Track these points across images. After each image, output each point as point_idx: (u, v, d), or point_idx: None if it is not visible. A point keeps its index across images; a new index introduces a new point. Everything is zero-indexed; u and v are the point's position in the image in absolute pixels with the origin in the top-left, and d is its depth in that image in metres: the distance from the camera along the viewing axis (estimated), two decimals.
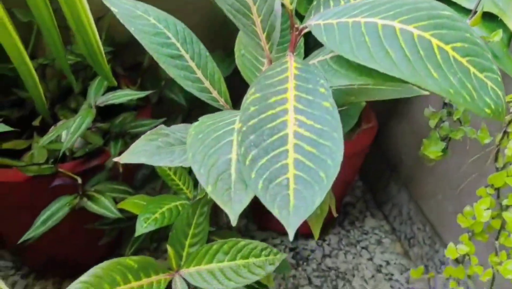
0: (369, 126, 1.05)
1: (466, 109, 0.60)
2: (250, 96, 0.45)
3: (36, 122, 0.87)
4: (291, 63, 0.46)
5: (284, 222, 0.37)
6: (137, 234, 0.54)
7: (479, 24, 0.65)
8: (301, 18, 0.55)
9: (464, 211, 0.61)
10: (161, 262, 0.53)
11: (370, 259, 1.15)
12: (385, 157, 1.25)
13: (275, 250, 0.51)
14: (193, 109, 1.09)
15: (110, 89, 0.78)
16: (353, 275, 1.10)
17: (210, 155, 0.42)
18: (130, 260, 0.47)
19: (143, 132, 0.85)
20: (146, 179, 1.14)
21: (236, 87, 0.64)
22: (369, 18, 0.42)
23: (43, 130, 0.88)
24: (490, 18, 0.68)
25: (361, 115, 1.08)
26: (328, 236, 1.20)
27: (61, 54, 0.70)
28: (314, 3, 0.49)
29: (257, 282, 0.69)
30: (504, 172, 0.57)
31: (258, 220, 1.18)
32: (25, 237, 0.70)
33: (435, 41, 0.41)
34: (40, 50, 0.89)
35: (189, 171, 0.66)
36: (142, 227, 0.54)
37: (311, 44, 0.59)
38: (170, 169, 0.63)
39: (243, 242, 0.51)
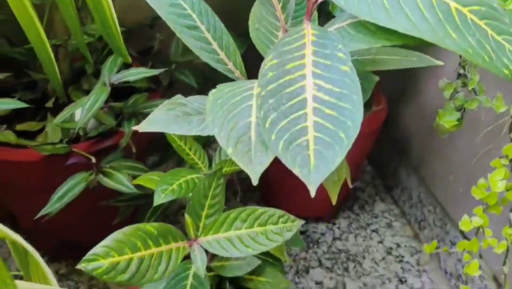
0: (379, 108, 1.05)
1: (484, 68, 0.59)
2: (267, 63, 0.45)
3: (49, 104, 0.88)
4: (308, 30, 0.47)
5: (305, 180, 0.37)
6: (155, 204, 0.55)
7: None
8: None
9: (478, 183, 0.61)
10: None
11: (380, 241, 1.15)
12: (394, 142, 1.25)
13: (292, 217, 0.51)
14: (204, 92, 1.10)
15: (123, 69, 0.79)
16: (364, 257, 1.11)
17: (229, 119, 0.42)
18: (150, 226, 0.48)
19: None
20: (155, 165, 1.14)
21: (248, 69, 0.64)
22: None
23: (56, 112, 0.89)
24: None
25: (371, 98, 1.09)
26: (338, 219, 1.20)
27: (78, 31, 0.70)
28: None
29: (272, 257, 0.69)
30: None
31: (266, 202, 1.19)
32: (41, 212, 0.71)
33: (453, 4, 0.42)
34: (51, 32, 0.89)
35: (203, 145, 0.66)
36: (160, 198, 0.55)
37: (323, 23, 0.60)
38: (185, 144, 0.64)
39: (260, 209, 0.52)
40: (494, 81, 0.72)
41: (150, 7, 0.50)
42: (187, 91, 1.09)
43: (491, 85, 0.68)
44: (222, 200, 0.58)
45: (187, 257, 0.55)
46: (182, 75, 0.97)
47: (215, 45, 0.54)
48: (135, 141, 0.85)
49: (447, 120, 0.60)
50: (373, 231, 1.18)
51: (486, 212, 0.62)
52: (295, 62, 0.44)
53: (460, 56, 0.61)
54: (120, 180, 0.70)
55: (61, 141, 0.81)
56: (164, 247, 0.49)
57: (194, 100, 0.53)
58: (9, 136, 0.76)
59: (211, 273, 0.64)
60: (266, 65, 0.44)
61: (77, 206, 0.79)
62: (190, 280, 0.55)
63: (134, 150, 0.83)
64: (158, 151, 1.05)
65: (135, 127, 0.49)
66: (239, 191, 0.93)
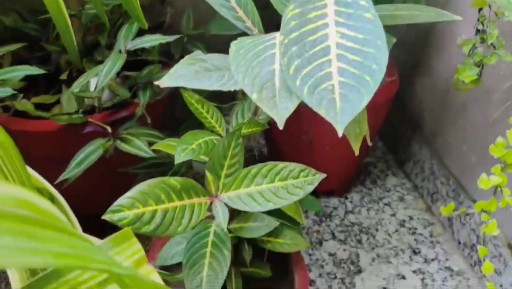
0: (391, 80, 1.05)
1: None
2: (289, 12, 0.45)
3: (63, 76, 0.88)
4: None
5: (332, 121, 0.37)
6: (176, 162, 0.55)
7: None
8: None
9: (497, 141, 0.61)
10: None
11: (393, 214, 1.15)
12: (406, 116, 1.25)
13: (313, 170, 0.51)
14: None
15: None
16: (377, 230, 1.11)
17: (253, 66, 0.42)
18: (174, 180, 0.48)
19: None
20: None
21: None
22: None
23: (70, 85, 0.90)
24: None
25: None
26: (350, 194, 1.20)
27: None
28: None
29: (290, 220, 0.70)
30: None
31: None
32: (60, 178, 0.71)
33: None
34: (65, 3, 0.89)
35: (220, 108, 0.66)
36: (180, 156, 0.55)
37: None
38: (203, 107, 0.64)
39: (281, 164, 0.52)
40: None
41: None
42: None
43: (510, 41, 0.68)
44: (241, 160, 0.58)
45: (208, 217, 0.56)
46: (194, 47, 0.97)
47: (233, 3, 0.54)
48: (149, 113, 0.86)
49: (467, 75, 0.60)
50: (385, 204, 1.18)
51: (504, 171, 0.62)
52: (317, 11, 0.44)
53: (479, 11, 0.61)
54: (138, 145, 0.70)
55: (77, 112, 0.81)
56: (186, 201, 0.50)
57: (214, 57, 0.53)
58: (27, 105, 0.77)
59: (230, 235, 0.65)
60: (288, 15, 0.44)
61: (94, 176, 0.80)
62: (211, 237, 0.55)
63: (149, 120, 0.83)
64: (168, 129, 1.05)
65: (156, 82, 0.49)
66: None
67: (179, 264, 0.58)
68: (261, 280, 0.75)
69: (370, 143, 0.56)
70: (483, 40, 0.61)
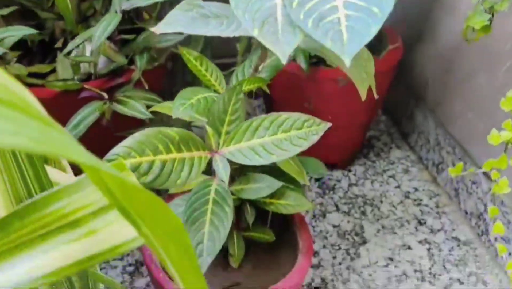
0: (395, 47, 1.02)
1: None
2: None
3: (58, 44, 0.86)
4: None
5: (339, 52, 0.35)
6: (174, 116, 0.53)
7: None
8: None
9: (507, 95, 0.59)
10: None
11: (398, 186, 1.13)
12: (410, 86, 1.22)
13: (318, 120, 0.49)
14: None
15: None
16: (381, 201, 1.09)
17: (253, 2, 0.40)
18: (172, 131, 0.46)
19: (168, 47, 0.83)
20: None
21: None
22: None
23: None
24: None
25: (387, 37, 1.06)
26: (353, 167, 1.18)
27: None
28: None
29: (293, 182, 0.68)
30: None
31: None
32: None
33: None
34: None
35: (218, 64, 0.64)
36: (179, 111, 0.53)
37: None
38: (201, 64, 0.62)
39: (284, 115, 0.50)
40: None
41: None
42: None
43: None
44: (242, 116, 0.56)
45: (209, 174, 0.54)
46: None
47: None
48: (147, 80, 0.83)
49: (477, 21, 0.57)
50: (389, 176, 1.16)
51: None
52: None
53: None
54: (135, 106, 0.68)
55: (72, 78, 0.79)
56: (186, 154, 0.48)
57: (211, 4, 0.51)
58: (21, 69, 0.75)
59: (232, 197, 0.63)
60: None
61: (91, 143, 0.78)
62: (212, 195, 0.53)
63: (146, 87, 0.81)
64: (167, 100, 1.03)
65: (152, 29, 0.46)
66: None
67: None
68: (265, 247, 0.73)
69: (376, 96, 0.54)
70: None
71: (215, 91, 0.64)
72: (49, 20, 0.88)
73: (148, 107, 0.70)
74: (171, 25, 0.47)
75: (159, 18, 0.94)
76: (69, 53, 0.82)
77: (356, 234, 1.02)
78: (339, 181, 1.15)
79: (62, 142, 0.18)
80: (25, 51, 0.89)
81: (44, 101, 0.83)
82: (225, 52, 0.93)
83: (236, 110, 0.55)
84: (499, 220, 0.90)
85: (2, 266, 0.25)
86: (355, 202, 1.09)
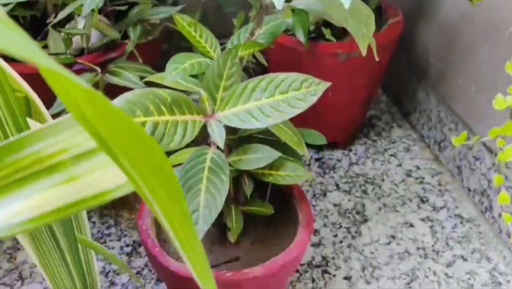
0: (395, 21, 1.00)
1: None
2: None
3: (50, 19, 0.84)
4: None
5: None
6: (166, 82, 0.51)
7: None
8: None
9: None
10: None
11: (399, 165, 1.11)
12: (411, 64, 1.20)
13: (316, 80, 0.47)
14: (208, 11, 1.05)
15: None
16: (383, 180, 1.07)
17: None
18: (163, 92, 0.44)
19: (162, 19, 0.81)
20: None
21: None
22: None
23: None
24: None
25: (387, 11, 1.03)
26: (354, 146, 1.16)
27: None
28: None
29: (292, 154, 0.66)
30: None
31: None
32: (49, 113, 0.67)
33: None
34: None
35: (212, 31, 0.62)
36: (172, 75, 0.51)
37: None
38: (195, 30, 0.59)
39: (281, 76, 0.48)
40: None
41: None
42: (191, 5, 1.04)
43: None
44: (238, 80, 0.54)
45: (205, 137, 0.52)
46: None
47: None
48: (141, 54, 0.81)
49: None
50: (391, 155, 1.14)
51: None
52: None
53: None
54: (128, 77, 0.66)
55: (64, 53, 0.77)
56: (179, 117, 0.46)
57: None
58: None
59: (230, 168, 0.61)
60: None
61: None
62: (207, 163, 0.51)
63: (140, 60, 0.79)
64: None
65: None
66: None
67: None
68: (264, 222, 0.71)
69: (377, 58, 0.52)
70: None
71: (210, 58, 0.62)
72: None
73: (141, 78, 0.68)
74: None
75: None
76: (60, 25, 0.80)
77: (357, 213, 1.00)
78: (339, 160, 1.13)
79: (24, 44, 0.16)
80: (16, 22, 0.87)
81: (35, 77, 0.82)
82: (222, 30, 0.91)
83: (231, 75, 0.53)
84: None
85: None
86: (356, 181, 1.07)
